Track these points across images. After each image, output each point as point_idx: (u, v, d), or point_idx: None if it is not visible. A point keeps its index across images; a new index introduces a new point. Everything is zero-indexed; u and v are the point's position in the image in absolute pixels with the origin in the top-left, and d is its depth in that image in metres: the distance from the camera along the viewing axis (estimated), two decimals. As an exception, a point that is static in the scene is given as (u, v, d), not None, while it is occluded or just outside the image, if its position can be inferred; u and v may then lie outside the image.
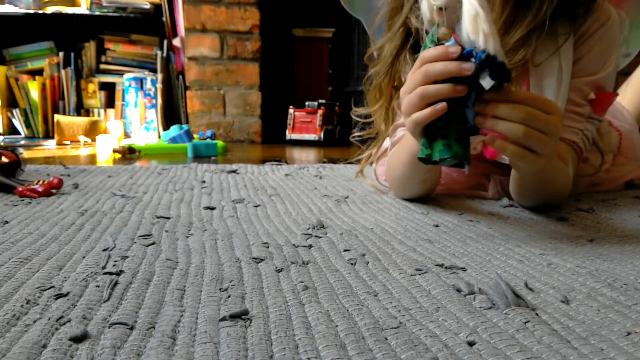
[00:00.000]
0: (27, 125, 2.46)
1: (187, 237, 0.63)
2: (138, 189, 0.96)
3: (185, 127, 1.94)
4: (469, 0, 0.52)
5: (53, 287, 0.44)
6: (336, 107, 2.43)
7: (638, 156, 1.00)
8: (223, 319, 0.38)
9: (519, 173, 0.71)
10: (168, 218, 0.73)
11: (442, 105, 0.57)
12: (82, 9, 2.53)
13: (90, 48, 2.52)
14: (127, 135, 2.35)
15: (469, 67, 0.54)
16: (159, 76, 2.40)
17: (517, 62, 0.73)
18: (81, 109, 2.51)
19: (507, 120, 0.56)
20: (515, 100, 0.56)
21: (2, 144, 2.10)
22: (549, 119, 0.57)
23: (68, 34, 2.49)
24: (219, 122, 2.34)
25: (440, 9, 0.56)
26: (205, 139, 2.01)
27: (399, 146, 0.82)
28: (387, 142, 0.93)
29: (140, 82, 2.34)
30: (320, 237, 0.63)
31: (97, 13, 2.50)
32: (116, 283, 0.45)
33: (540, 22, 0.72)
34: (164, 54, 2.48)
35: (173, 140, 1.85)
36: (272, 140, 2.39)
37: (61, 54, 2.47)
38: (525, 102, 0.56)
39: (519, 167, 0.64)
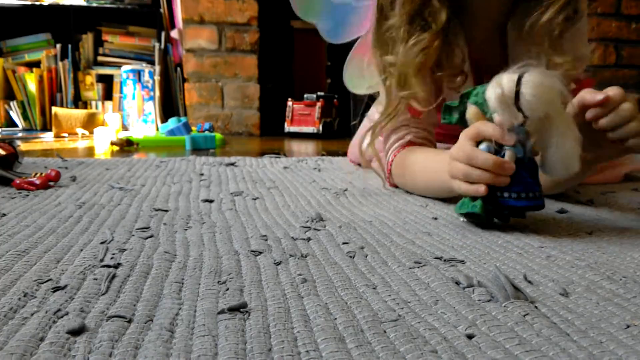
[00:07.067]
0: (25, 117, 2.45)
1: (186, 230, 0.63)
2: (136, 182, 0.96)
3: (183, 119, 1.93)
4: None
5: (51, 280, 0.44)
6: (335, 100, 2.42)
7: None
8: (221, 312, 0.38)
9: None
10: (166, 211, 0.72)
11: (483, 188, 0.61)
12: (80, 0, 2.51)
13: (87, 40, 2.50)
14: (125, 128, 2.34)
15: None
16: (157, 68, 2.39)
17: None
18: (79, 101, 2.50)
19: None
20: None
21: (-1, 136, 2.09)
22: None
23: (65, 25, 2.47)
24: (217, 114, 2.33)
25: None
26: (204, 131, 2.01)
27: (430, 163, 0.80)
28: (375, 116, 0.89)
29: (138, 74, 2.33)
30: (319, 230, 0.63)
31: (94, 4, 2.49)
32: (114, 276, 0.45)
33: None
34: (162, 46, 2.46)
35: (171, 132, 1.84)
36: (270, 133, 2.38)
37: (58, 45, 2.46)
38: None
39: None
